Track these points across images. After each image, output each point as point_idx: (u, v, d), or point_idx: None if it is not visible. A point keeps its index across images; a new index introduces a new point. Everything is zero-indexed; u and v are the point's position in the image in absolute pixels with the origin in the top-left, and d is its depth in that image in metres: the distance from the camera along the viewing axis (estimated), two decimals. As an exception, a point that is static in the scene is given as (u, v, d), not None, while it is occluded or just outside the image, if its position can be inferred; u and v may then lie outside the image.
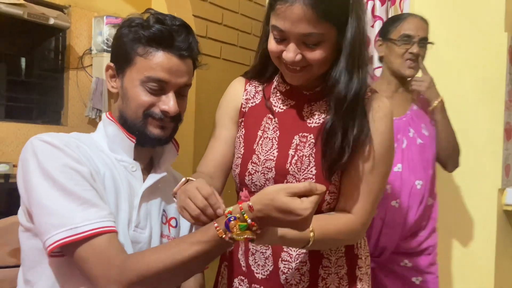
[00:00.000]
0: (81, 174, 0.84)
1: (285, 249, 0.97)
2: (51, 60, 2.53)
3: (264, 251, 0.99)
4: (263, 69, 1.04)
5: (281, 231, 0.82)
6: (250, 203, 0.74)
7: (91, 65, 2.60)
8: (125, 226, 0.89)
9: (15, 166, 2.06)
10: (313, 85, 0.98)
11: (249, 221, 0.74)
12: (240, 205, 0.75)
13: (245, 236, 0.75)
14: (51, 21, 2.19)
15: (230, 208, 0.76)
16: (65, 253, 0.84)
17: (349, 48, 0.89)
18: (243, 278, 1.03)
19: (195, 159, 2.22)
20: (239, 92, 1.06)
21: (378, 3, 2.07)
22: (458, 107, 1.94)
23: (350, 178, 0.94)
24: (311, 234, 0.86)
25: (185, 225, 1.06)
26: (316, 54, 0.88)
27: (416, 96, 1.68)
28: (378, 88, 1.63)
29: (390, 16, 2.05)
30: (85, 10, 2.55)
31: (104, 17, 2.53)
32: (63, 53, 2.52)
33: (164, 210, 1.02)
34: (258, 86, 1.05)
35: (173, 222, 1.03)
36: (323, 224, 0.89)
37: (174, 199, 0.89)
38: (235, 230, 0.75)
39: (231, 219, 0.75)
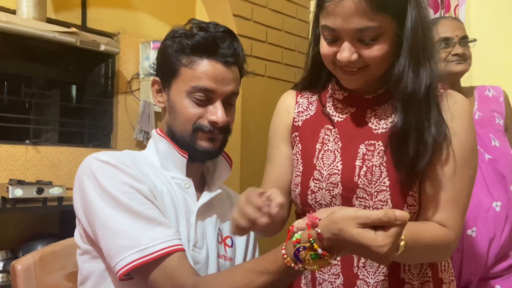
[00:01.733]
0: (141, 193, 0.82)
1: (361, 277, 0.87)
2: (101, 85, 2.62)
3: (333, 280, 0.88)
4: (315, 78, 0.96)
5: None
6: (319, 230, 0.66)
7: (139, 89, 2.66)
8: (185, 245, 0.85)
9: (68, 189, 2.11)
10: (375, 87, 0.89)
11: (319, 251, 0.66)
12: (308, 232, 0.68)
13: (319, 265, 0.68)
14: (102, 48, 2.26)
15: (298, 236, 0.68)
16: (134, 276, 0.81)
17: (411, 39, 0.80)
18: None
19: (242, 176, 2.18)
20: (290, 106, 0.98)
21: (431, 11, 1.97)
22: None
23: (433, 186, 0.84)
24: (402, 242, 0.72)
25: (240, 244, 1.01)
26: (374, 51, 0.80)
27: (474, 94, 1.47)
28: None
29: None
30: (133, 36, 2.64)
31: (151, 42, 2.60)
32: (113, 78, 2.60)
33: (219, 229, 0.97)
34: (311, 97, 0.97)
35: (228, 241, 0.99)
36: (415, 232, 0.77)
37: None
38: (306, 260, 0.68)
39: (300, 249, 0.67)
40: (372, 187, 0.85)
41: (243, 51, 0.95)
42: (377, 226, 0.63)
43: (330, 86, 0.96)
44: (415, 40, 0.81)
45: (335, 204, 0.88)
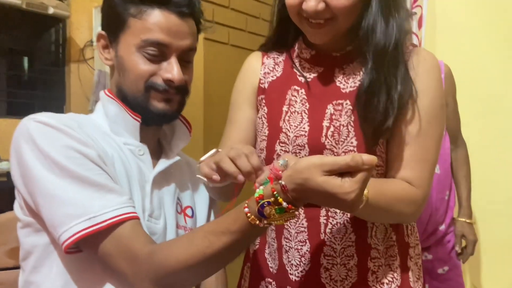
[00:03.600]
0: (89, 157, 0.74)
1: (327, 243, 0.85)
2: (52, 53, 2.45)
3: (299, 247, 0.86)
4: (281, 35, 0.92)
5: None
6: (283, 183, 0.61)
7: (93, 57, 2.51)
8: (140, 215, 0.78)
9: (17, 163, 1.98)
10: (342, 44, 0.86)
11: (284, 204, 0.62)
12: (272, 186, 0.63)
13: (284, 218, 0.64)
14: (51, 11, 2.10)
15: (261, 191, 0.63)
16: (83, 248, 0.74)
17: None
18: (270, 280, 0.90)
19: (205, 147, 2.11)
20: (256, 68, 0.94)
21: None
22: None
23: (400, 145, 0.81)
24: (365, 191, 0.68)
25: (201, 214, 0.95)
26: (341, 0, 0.77)
27: None
28: None
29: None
30: (85, 1, 2.46)
31: (105, 7, 2.44)
32: (64, 45, 2.44)
33: (178, 199, 0.91)
34: (277, 57, 0.93)
35: (188, 212, 0.93)
36: (379, 186, 0.75)
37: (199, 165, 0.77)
38: (272, 216, 0.63)
39: (264, 205, 0.63)
40: (339, 148, 0.82)
41: (200, 3, 0.87)
42: (343, 172, 0.59)
43: (297, 45, 0.92)
44: None
45: None
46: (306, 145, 0.84)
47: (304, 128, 0.85)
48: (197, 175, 0.78)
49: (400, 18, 0.80)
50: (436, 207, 1.56)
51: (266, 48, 0.95)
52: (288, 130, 0.86)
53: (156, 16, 0.80)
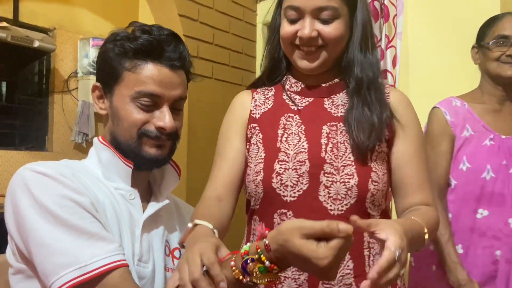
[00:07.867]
0: (82, 206, 0.77)
1: None
2: (35, 84, 2.45)
3: (297, 277, 0.86)
4: (273, 72, 1.01)
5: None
6: (267, 241, 0.63)
7: (77, 88, 2.53)
8: (129, 260, 0.81)
9: (-3, 196, 1.95)
10: (330, 76, 0.96)
11: (267, 263, 0.63)
12: (257, 244, 0.64)
13: (267, 279, 0.65)
14: (36, 44, 2.12)
15: (247, 247, 0.65)
16: None
17: (361, 28, 0.91)
18: None
19: (188, 182, 2.14)
20: (246, 102, 1.00)
21: (372, 20, 2.05)
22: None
23: (404, 171, 0.91)
24: (425, 230, 0.78)
25: (189, 256, 0.98)
26: (331, 29, 0.89)
27: None
28: (475, 102, 1.37)
29: (384, 33, 2.03)
30: (71, 33, 2.50)
31: (90, 39, 2.48)
32: (48, 76, 2.45)
33: (167, 241, 0.94)
34: (267, 93, 1.00)
35: (176, 253, 0.95)
36: (426, 220, 0.83)
37: (182, 249, 0.80)
38: (255, 273, 0.64)
39: (248, 261, 0.64)
40: (339, 162, 0.89)
41: (189, 55, 0.92)
42: (321, 238, 0.60)
43: (286, 82, 1.00)
44: (365, 29, 0.92)
45: (302, 183, 0.89)
46: (306, 160, 0.89)
47: (303, 145, 0.91)
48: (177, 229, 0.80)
49: (374, 54, 0.94)
50: None
51: (257, 85, 1.03)
52: (288, 149, 0.91)
53: (150, 70, 0.85)
